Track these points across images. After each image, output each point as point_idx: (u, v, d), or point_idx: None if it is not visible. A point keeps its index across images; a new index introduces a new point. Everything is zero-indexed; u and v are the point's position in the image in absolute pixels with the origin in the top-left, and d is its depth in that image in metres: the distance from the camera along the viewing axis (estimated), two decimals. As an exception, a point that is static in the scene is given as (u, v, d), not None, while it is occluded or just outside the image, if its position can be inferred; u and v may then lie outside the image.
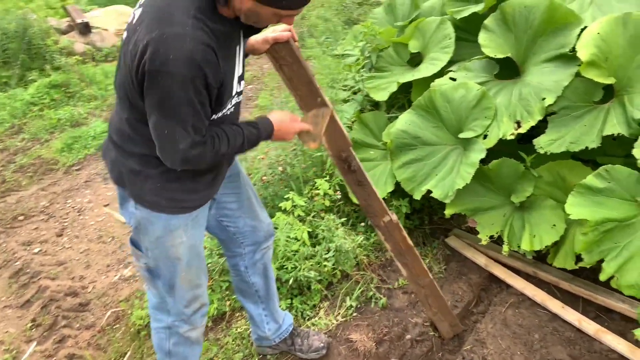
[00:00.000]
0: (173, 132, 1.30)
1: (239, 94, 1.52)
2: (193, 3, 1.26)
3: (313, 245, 2.64)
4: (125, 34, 1.37)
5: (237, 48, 1.45)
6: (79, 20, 6.71)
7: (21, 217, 3.72)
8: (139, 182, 1.50)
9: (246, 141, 1.50)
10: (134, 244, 1.64)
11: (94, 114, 5.20)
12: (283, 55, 1.61)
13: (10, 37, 6.06)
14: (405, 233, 1.99)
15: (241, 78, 1.51)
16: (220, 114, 1.46)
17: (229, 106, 1.48)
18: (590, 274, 2.42)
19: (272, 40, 1.56)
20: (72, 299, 2.87)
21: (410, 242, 2.01)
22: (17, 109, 5.41)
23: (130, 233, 1.65)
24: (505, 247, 2.35)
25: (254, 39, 1.58)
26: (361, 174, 1.83)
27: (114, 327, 2.63)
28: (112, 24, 6.89)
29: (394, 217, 1.94)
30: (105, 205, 3.74)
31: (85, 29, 6.66)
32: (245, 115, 5.07)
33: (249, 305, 2.13)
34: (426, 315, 2.39)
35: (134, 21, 1.33)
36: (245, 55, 1.56)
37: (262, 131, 1.54)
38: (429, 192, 2.46)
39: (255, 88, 5.75)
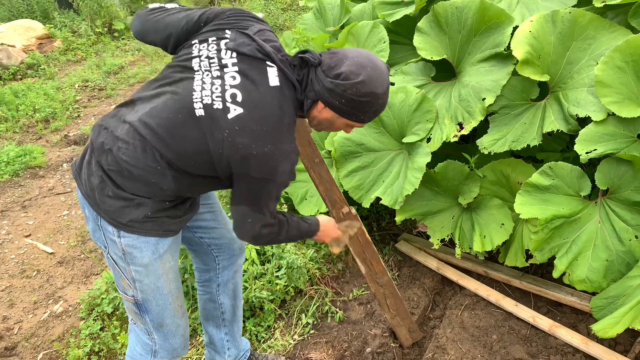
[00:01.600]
0: (256, 217, 1.43)
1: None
2: (291, 111, 1.40)
3: (262, 263, 2.52)
4: (201, 85, 1.35)
5: None
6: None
7: None
8: (128, 210, 1.40)
9: (299, 234, 1.62)
10: (117, 278, 1.56)
11: (4, 137, 4.76)
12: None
13: None
14: (364, 227, 1.96)
15: None
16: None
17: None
18: (537, 269, 2.47)
19: None
20: (-4, 345, 2.58)
21: (369, 237, 1.98)
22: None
23: (109, 267, 1.60)
24: (457, 250, 2.34)
25: None
26: (323, 165, 1.88)
27: (48, 372, 2.39)
28: (18, 39, 6.38)
29: (353, 210, 1.93)
30: (27, 236, 3.41)
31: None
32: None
33: (211, 329, 2.01)
34: (386, 320, 2.34)
35: (227, 81, 1.34)
36: None
37: (312, 227, 1.66)
38: (378, 199, 2.41)
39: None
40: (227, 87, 1.32)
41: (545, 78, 2.18)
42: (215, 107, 1.31)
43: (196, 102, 1.32)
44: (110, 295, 2.51)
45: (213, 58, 1.36)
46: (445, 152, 2.52)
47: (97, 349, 2.34)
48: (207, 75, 1.34)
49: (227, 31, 1.40)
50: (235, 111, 1.30)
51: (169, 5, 1.57)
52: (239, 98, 1.31)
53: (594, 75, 2.00)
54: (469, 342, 2.21)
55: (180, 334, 1.66)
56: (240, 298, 2.01)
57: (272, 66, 1.37)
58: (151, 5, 1.58)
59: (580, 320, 2.24)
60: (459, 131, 2.29)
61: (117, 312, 2.47)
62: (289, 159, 1.36)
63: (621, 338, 2.10)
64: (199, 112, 1.31)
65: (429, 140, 2.38)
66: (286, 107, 1.37)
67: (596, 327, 1.83)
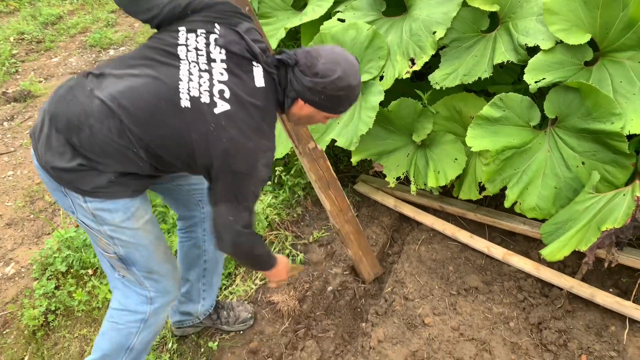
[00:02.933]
0: (236, 216, 1.43)
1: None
2: (274, 110, 1.48)
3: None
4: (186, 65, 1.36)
5: None
6: None
7: None
8: (89, 177, 1.38)
9: (263, 258, 1.65)
10: (93, 239, 1.56)
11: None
12: None
13: None
14: (329, 163, 1.95)
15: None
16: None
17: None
18: (491, 201, 2.53)
19: None
20: (-53, 312, 2.49)
21: (334, 173, 1.97)
22: None
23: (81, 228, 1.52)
24: (412, 187, 2.36)
25: None
26: None
27: (4, 332, 2.33)
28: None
29: (319, 146, 1.93)
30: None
31: None
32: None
33: (191, 276, 1.98)
34: (346, 260, 2.37)
35: (212, 74, 1.36)
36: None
37: (272, 260, 1.70)
38: (333, 141, 2.38)
39: (129, 49, 5.27)
40: (215, 82, 1.36)
41: (495, 8, 2.14)
42: (202, 100, 1.33)
43: (182, 93, 1.33)
44: (63, 254, 2.44)
45: (201, 50, 1.38)
46: (399, 90, 2.50)
47: (53, 308, 2.29)
48: (195, 67, 1.36)
49: (216, 25, 1.42)
50: (222, 107, 1.34)
51: None
52: (227, 94, 1.35)
53: (542, 3, 1.98)
54: (427, 275, 2.27)
55: (171, 276, 1.68)
56: None
57: (258, 67, 1.42)
58: None
59: (532, 247, 2.32)
60: (411, 67, 2.25)
61: (72, 270, 2.41)
62: (268, 155, 1.42)
63: (569, 260, 2.19)
64: (185, 103, 1.32)
65: (381, 78, 2.34)
66: (269, 106, 1.44)
67: (545, 252, 1.90)
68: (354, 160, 2.42)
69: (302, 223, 2.68)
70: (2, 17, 5.89)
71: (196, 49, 1.38)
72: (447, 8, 2.22)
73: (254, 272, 2.40)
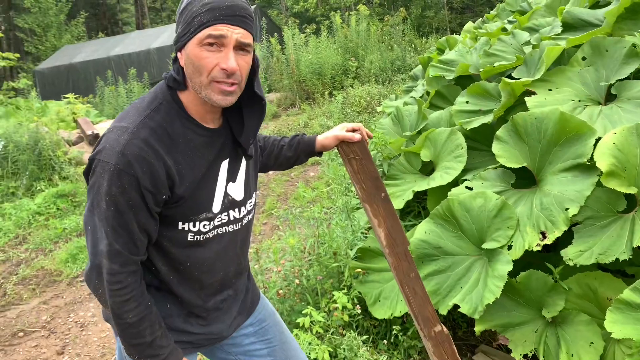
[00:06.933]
0: (95, 230, 1.20)
1: (233, 220, 1.43)
2: (154, 103, 1.27)
3: (334, 366, 2.48)
4: None
5: (223, 163, 1.38)
6: (89, 132, 6.94)
7: (21, 334, 3.55)
8: None
9: (148, 338, 1.27)
10: None
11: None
12: (354, 149, 1.70)
13: (22, 149, 6.23)
14: (454, 347, 1.87)
15: (238, 202, 1.44)
16: (192, 227, 1.33)
17: (208, 225, 1.36)
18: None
19: (343, 139, 1.68)
20: None
21: (459, 357, 1.88)
22: (22, 219, 5.40)
23: None
24: (542, 367, 2.20)
25: (324, 137, 1.71)
26: (418, 280, 1.81)
27: None
28: (121, 134, 7.08)
29: (445, 329, 1.85)
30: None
31: (94, 139, 6.87)
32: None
33: None
34: None
35: None
36: (254, 178, 1.54)
37: (166, 351, 1.31)
38: (456, 306, 2.35)
39: (262, 194, 5.79)
40: None
41: (632, 190, 2.13)
42: None
43: None
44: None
45: None
46: (526, 260, 2.46)
47: None
48: None
49: None
50: None
51: None
52: None
53: (686, 190, 1.94)
54: None
55: None
56: None
57: None
58: None
59: None
60: (542, 240, 2.24)
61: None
62: (122, 137, 1.20)
63: None
64: None
65: (509, 247, 2.34)
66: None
67: None
68: (478, 329, 2.34)
69: (416, 389, 2.56)
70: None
71: None
72: (580, 187, 2.24)
73: None
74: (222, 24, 1.19)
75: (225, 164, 1.39)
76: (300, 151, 1.77)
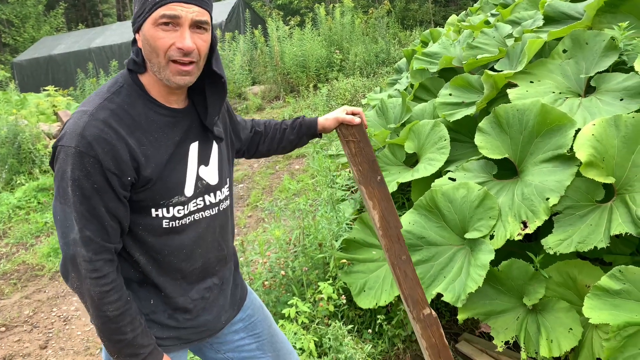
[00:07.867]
0: (64, 219, 1.19)
1: (209, 205, 1.41)
2: (114, 86, 1.26)
3: (319, 355, 2.50)
4: None
5: (192, 145, 1.36)
6: (71, 124, 6.83)
7: (2, 328, 3.51)
8: None
9: (129, 335, 1.26)
10: None
11: (83, 216, 5.10)
12: (352, 132, 1.74)
13: (0, 142, 6.12)
14: (442, 331, 1.90)
15: (213, 186, 1.42)
16: (165, 214, 1.31)
17: (183, 210, 1.34)
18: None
19: (343, 121, 1.72)
20: (55, 423, 2.63)
21: (445, 341, 1.91)
22: (2, 213, 5.33)
23: None
24: (522, 355, 2.25)
25: (325, 118, 1.75)
26: (410, 264, 1.83)
27: None
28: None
29: (434, 312, 1.88)
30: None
31: (77, 131, 6.76)
32: (237, 214, 5.04)
33: None
34: None
35: None
36: (231, 161, 1.55)
37: (146, 350, 1.30)
38: (439, 295, 2.39)
39: (247, 187, 5.78)
40: None
41: (610, 180, 2.18)
42: None
43: None
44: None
45: None
46: (508, 249, 2.51)
47: None
48: None
49: None
50: None
51: None
52: None
53: (662, 180, 1.99)
54: None
55: None
56: None
57: None
58: None
59: None
60: (523, 229, 2.29)
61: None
62: (81, 119, 1.20)
63: None
64: None
65: (491, 237, 2.38)
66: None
67: None
68: (460, 318, 2.38)
69: (400, 378, 2.59)
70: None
71: None
72: (560, 177, 2.29)
73: None
74: (176, 2, 1.17)
75: (194, 146, 1.37)
76: (302, 134, 1.81)
